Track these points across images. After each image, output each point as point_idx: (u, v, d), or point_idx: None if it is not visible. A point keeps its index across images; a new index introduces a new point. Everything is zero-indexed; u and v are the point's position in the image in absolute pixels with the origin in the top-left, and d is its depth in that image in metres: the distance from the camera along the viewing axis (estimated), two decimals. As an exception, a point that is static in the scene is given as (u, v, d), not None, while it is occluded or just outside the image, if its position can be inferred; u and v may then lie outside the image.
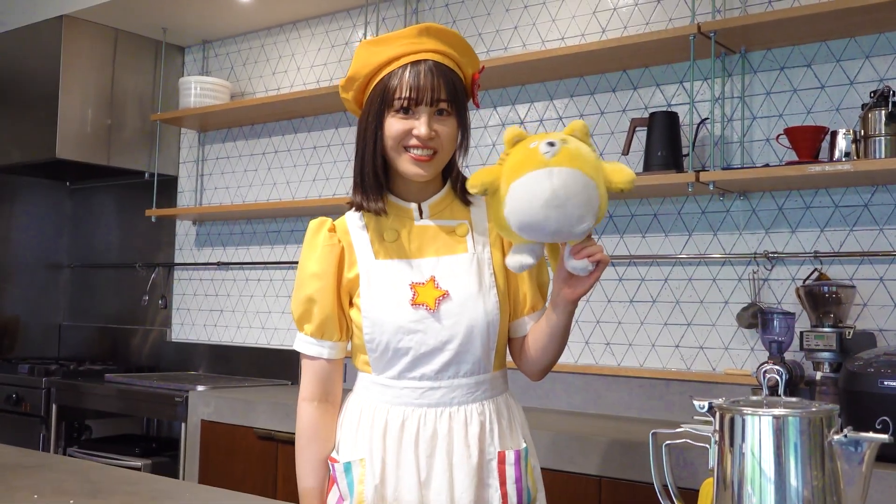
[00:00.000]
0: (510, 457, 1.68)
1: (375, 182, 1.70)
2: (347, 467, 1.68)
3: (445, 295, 1.66)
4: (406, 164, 1.66)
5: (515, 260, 1.60)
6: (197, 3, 4.04)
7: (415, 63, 1.64)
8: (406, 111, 1.64)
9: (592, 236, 1.60)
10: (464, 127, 1.71)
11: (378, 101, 1.66)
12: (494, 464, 1.66)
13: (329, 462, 1.74)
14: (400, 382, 1.67)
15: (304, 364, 1.77)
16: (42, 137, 4.22)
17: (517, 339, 1.77)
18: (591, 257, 1.55)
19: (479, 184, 1.55)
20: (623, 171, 1.54)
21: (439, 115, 1.66)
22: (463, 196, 1.75)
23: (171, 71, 4.59)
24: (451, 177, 1.75)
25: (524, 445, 1.72)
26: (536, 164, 1.48)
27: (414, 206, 1.73)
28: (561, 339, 1.71)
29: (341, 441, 1.74)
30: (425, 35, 1.67)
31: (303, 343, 1.75)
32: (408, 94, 1.63)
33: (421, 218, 1.73)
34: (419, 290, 1.66)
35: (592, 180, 1.49)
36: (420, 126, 1.63)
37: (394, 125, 1.65)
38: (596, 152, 1.56)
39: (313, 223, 1.76)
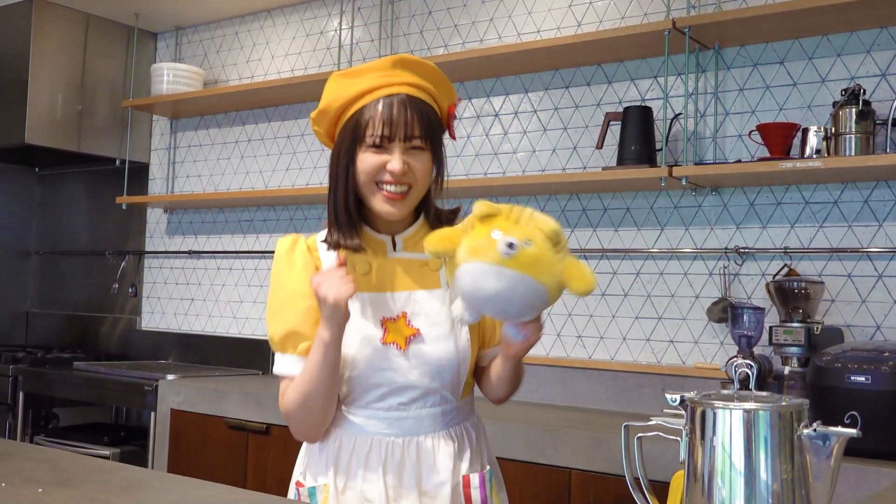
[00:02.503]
0: (475, 480, 1.67)
1: (349, 220, 1.65)
2: (312, 492, 1.66)
3: (416, 334, 1.63)
4: (379, 203, 1.62)
5: (458, 311, 1.55)
6: (170, -12, 4.00)
7: (388, 97, 1.59)
8: (379, 146, 1.59)
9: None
10: (438, 161, 1.66)
11: (350, 135, 1.61)
12: (460, 488, 1.66)
13: (296, 486, 1.72)
14: (366, 412, 1.65)
15: (287, 381, 1.66)
16: (11, 122, 4.16)
17: (480, 368, 1.76)
18: (524, 330, 1.53)
19: (434, 251, 1.50)
20: (584, 280, 1.46)
21: (413, 151, 1.61)
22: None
23: (143, 57, 4.54)
24: (426, 210, 1.71)
25: (488, 468, 1.73)
26: (490, 258, 1.43)
27: (387, 238, 1.69)
28: (511, 382, 1.71)
29: (308, 466, 1.72)
30: (399, 67, 1.62)
31: (290, 364, 1.64)
32: (380, 130, 1.57)
33: (394, 251, 1.69)
34: (390, 327, 1.63)
35: (543, 286, 1.44)
36: (394, 161, 1.58)
37: (366, 160, 1.60)
38: (564, 251, 1.48)
39: (286, 240, 1.70)
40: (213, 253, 4.29)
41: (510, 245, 1.42)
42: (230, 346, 4.14)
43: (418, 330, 1.63)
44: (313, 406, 1.61)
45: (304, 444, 1.74)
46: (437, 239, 1.50)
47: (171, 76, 4.18)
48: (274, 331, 1.65)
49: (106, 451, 3.64)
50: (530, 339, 1.54)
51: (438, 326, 1.64)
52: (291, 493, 1.73)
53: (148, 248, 4.57)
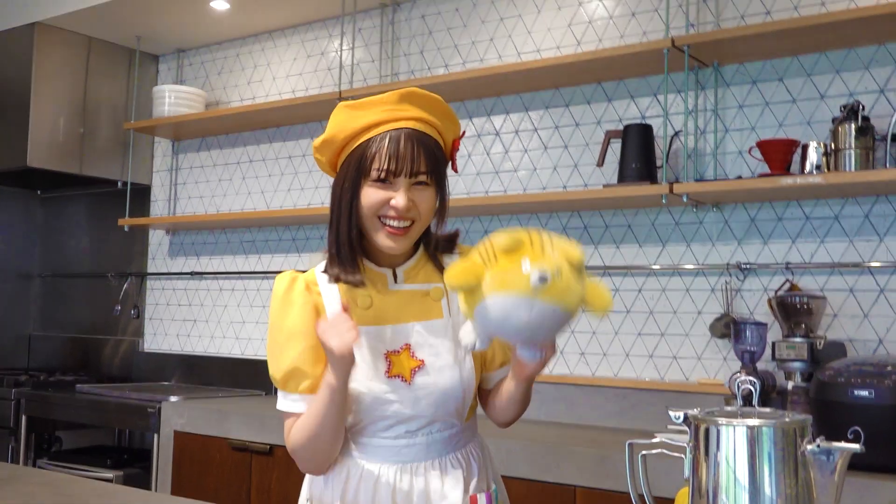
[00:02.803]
0: (482, 500, 1.67)
1: (350, 253, 1.63)
2: None
3: (421, 365, 1.62)
4: (381, 238, 1.61)
5: (469, 338, 1.51)
6: (171, 11, 4.02)
7: (394, 131, 1.58)
8: (383, 181, 1.57)
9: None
10: (442, 196, 1.66)
11: (354, 168, 1.59)
12: None
13: None
14: (373, 441, 1.65)
15: (293, 419, 1.66)
16: (13, 145, 4.18)
17: (485, 391, 1.76)
18: (541, 350, 1.51)
19: (458, 285, 1.43)
20: (602, 300, 1.44)
21: (417, 186, 1.60)
22: (437, 260, 1.70)
23: (144, 79, 4.57)
24: (426, 242, 1.70)
25: (494, 486, 1.73)
26: (521, 290, 1.40)
27: (388, 271, 1.68)
28: (520, 404, 1.70)
29: (314, 494, 1.71)
30: (406, 101, 1.61)
31: (294, 402, 1.64)
32: (386, 165, 1.56)
33: (395, 283, 1.68)
34: (394, 360, 1.62)
35: (570, 312, 1.43)
36: (398, 197, 1.57)
37: (370, 195, 1.58)
38: (584, 274, 1.46)
39: (283, 278, 1.68)
40: (215, 274, 4.30)
41: (542, 278, 1.39)
42: (233, 367, 4.14)
43: (423, 361, 1.63)
44: (321, 444, 1.61)
45: (310, 476, 1.73)
46: (459, 272, 1.44)
47: (173, 98, 4.20)
48: (275, 370, 1.64)
49: (109, 474, 3.63)
50: (546, 358, 1.53)
51: (442, 356, 1.64)
52: None
53: (150, 269, 4.58)
